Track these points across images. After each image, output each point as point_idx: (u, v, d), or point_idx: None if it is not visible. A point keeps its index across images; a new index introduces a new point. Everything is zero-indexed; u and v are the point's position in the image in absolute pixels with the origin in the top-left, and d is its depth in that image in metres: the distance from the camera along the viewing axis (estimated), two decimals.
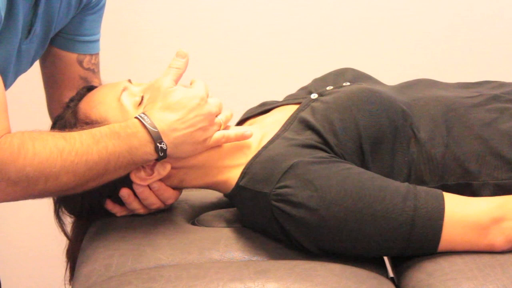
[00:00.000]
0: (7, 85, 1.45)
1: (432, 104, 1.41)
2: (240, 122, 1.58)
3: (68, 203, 1.44)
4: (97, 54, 1.66)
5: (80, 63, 1.62)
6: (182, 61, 1.39)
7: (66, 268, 1.49)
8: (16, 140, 1.23)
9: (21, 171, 1.22)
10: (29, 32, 1.43)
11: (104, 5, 1.63)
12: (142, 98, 1.38)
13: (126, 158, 1.30)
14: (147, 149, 1.31)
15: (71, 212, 1.47)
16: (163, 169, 1.38)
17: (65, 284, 1.49)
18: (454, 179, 1.34)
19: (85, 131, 1.30)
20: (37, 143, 1.24)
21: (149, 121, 1.30)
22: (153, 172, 1.37)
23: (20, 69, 1.49)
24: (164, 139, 1.31)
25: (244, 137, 1.40)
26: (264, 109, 1.56)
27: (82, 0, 1.54)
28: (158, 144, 1.30)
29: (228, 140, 1.39)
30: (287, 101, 1.54)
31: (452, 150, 1.35)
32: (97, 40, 1.65)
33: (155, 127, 1.30)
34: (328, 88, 1.49)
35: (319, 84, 1.54)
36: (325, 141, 1.35)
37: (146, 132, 1.30)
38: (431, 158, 1.35)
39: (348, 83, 1.49)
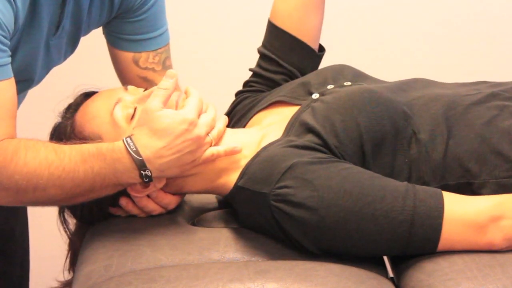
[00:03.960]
0: (37, 78, 1.48)
1: (431, 103, 1.40)
2: (237, 120, 1.57)
3: (70, 207, 1.45)
4: (160, 49, 1.60)
5: (136, 62, 1.58)
6: (171, 82, 1.35)
7: (67, 257, 1.50)
8: (11, 147, 1.25)
9: (11, 178, 1.25)
10: (57, 28, 1.43)
11: (153, 4, 1.56)
12: (135, 110, 1.38)
13: (112, 180, 1.30)
14: (132, 175, 1.30)
15: (73, 215, 1.47)
16: (159, 182, 1.37)
17: (63, 271, 1.50)
18: (454, 179, 1.34)
19: (76, 146, 1.31)
20: (29, 153, 1.26)
21: (134, 148, 1.29)
22: (149, 185, 1.37)
23: (52, 63, 1.50)
24: (149, 166, 1.30)
25: (233, 152, 1.39)
26: (261, 107, 1.54)
27: (114, 4, 1.51)
28: (142, 171, 1.30)
29: (218, 157, 1.38)
30: (287, 97, 1.51)
31: (453, 150, 1.35)
32: (155, 37, 1.58)
33: (139, 155, 1.29)
34: (329, 87, 1.48)
35: (318, 81, 1.52)
36: (325, 143, 1.35)
37: (131, 159, 1.29)
38: (432, 158, 1.35)
39: (349, 83, 1.49)
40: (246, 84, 1.66)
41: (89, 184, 1.29)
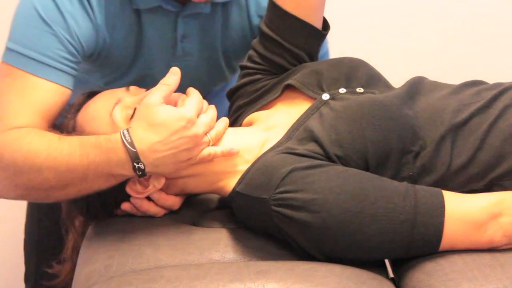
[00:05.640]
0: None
1: (437, 114, 1.38)
2: (241, 114, 1.55)
3: (75, 203, 1.44)
4: None
5: None
6: (174, 78, 1.35)
7: (67, 254, 1.50)
8: (24, 131, 1.32)
9: (11, 155, 1.30)
10: (174, 50, 1.54)
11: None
12: (135, 110, 1.37)
13: (105, 169, 1.31)
14: (125, 166, 1.30)
15: (78, 210, 1.47)
16: (158, 182, 1.38)
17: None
18: (458, 188, 1.33)
19: (78, 136, 1.34)
20: (36, 135, 1.32)
21: (129, 140, 1.29)
22: (148, 185, 1.37)
23: (207, 85, 1.66)
24: (142, 159, 1.30)
25: (230, 154, 1.38)
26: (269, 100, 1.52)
27: (252, 23, 1.58)
28: (135, 164, 1.30)
29: (215, 157, 1.37)
30: (297, 83, 1.47)
31: (457, 161, 1.34)
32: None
33: (134, 147, 1.29)
34: (340, 90, 1.44)
35: (332, 76, 1.48)
36: (327, 154, 1.34)
37: (125, 150, 1.29)
38: (437, 171, 1.34)
39: (362, 89, 1.45)
40: (249, 58, 1.58)
41: (83, 171, 1.30)
